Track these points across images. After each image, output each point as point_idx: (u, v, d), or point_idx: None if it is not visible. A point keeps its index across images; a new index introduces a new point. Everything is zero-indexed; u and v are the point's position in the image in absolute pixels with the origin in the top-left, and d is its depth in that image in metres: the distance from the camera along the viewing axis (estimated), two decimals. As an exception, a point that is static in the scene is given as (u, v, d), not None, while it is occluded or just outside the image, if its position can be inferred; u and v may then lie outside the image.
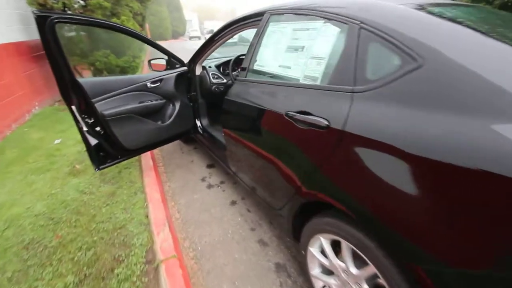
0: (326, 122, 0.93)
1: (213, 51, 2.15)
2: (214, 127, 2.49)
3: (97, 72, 4.42)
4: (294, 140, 1.11)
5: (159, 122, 2.18)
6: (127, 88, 1.93)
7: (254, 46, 1.47)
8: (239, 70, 2.36)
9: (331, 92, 0.98)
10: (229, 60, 2.52)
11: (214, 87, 2.38)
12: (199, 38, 29.56)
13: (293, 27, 1.25)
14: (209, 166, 2.54)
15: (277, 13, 1.37)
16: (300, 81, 1.13)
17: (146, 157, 2.50)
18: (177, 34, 29.75)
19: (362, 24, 0.92)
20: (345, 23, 0.99)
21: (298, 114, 1.05)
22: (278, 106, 1.18)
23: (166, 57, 2.23)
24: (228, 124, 1.67)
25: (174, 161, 2.64)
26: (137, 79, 2.01)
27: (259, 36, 1.44)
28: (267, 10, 1.44)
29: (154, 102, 2.07)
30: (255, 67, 1.45)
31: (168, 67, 2.26)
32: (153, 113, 2.12)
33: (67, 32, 4.23)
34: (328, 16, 1.07)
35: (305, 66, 1.13)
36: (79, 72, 4.44)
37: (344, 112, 0.89)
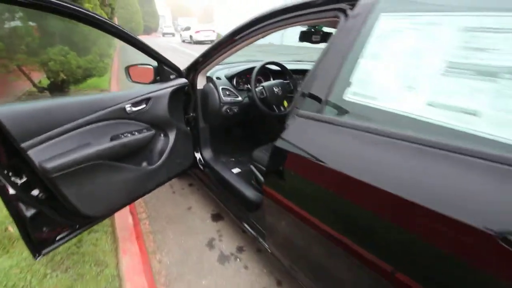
0: None
1: (228, 55, 1.43)
2: (222, 162, 1.77)
3: (52, 74, 3.42)
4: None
5: (144, 164, 1.41)
6: (90, 117, 1.13)
7: (342, 57, 0.78)
8: (262, 86, 1.67)
9: None
10: (248, 69, 1.80)
11: (225, 107, 1.65)
12: (173, 35, 28.45)
13: (466, 24, 0.59)
14: (215, 217, 1.80)
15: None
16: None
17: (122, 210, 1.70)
18: (149, 29, 28.10)
19: None
20: None
21: None
22: (463, 208, 0.51)
23: (154, 63, 1.46)
24: (280, 185, 0.96)
25: (163, 209, 1.85)
26: (108, 100, 1.22)
27: (354, 39, 0.76)
28: None
29: (137, 136, 1.29)
30: (350, 98, 0.75)
31: (158, 78, 1.49)
32: (135, 151, 1.35)
33: (8, 21, 3.19)
34: None
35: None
36: (27, 75, 3.41)
37: None
